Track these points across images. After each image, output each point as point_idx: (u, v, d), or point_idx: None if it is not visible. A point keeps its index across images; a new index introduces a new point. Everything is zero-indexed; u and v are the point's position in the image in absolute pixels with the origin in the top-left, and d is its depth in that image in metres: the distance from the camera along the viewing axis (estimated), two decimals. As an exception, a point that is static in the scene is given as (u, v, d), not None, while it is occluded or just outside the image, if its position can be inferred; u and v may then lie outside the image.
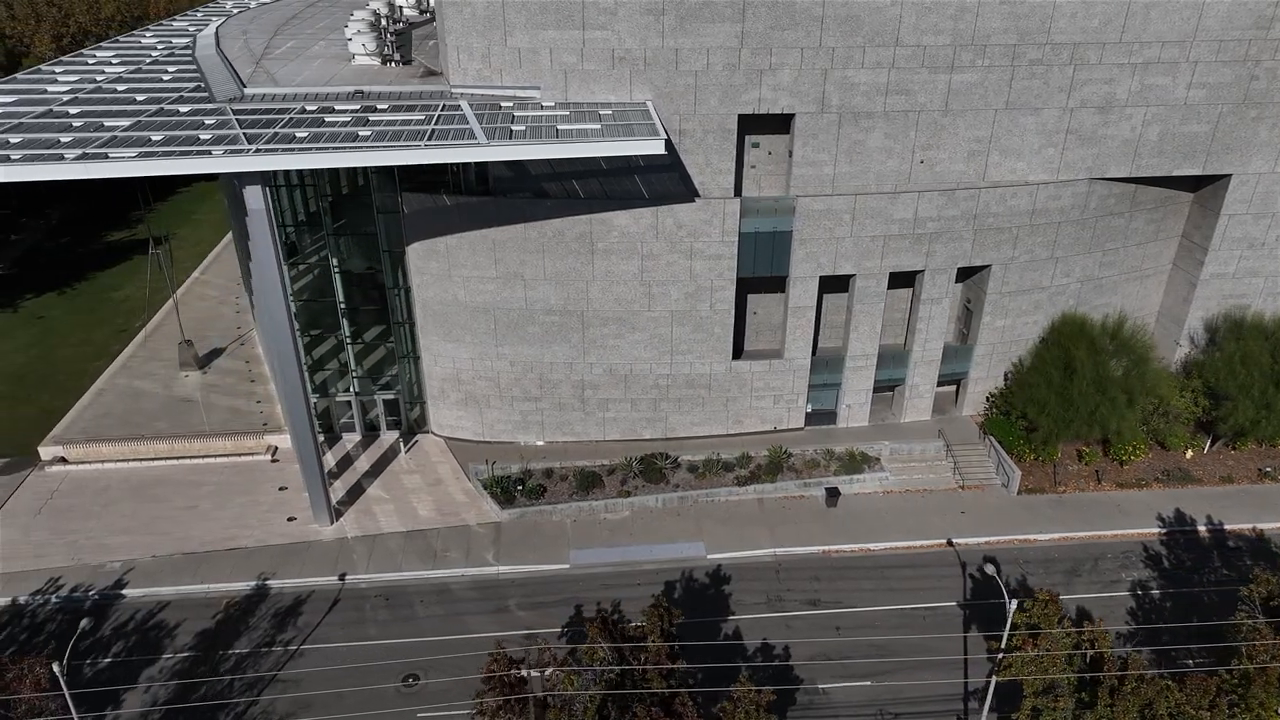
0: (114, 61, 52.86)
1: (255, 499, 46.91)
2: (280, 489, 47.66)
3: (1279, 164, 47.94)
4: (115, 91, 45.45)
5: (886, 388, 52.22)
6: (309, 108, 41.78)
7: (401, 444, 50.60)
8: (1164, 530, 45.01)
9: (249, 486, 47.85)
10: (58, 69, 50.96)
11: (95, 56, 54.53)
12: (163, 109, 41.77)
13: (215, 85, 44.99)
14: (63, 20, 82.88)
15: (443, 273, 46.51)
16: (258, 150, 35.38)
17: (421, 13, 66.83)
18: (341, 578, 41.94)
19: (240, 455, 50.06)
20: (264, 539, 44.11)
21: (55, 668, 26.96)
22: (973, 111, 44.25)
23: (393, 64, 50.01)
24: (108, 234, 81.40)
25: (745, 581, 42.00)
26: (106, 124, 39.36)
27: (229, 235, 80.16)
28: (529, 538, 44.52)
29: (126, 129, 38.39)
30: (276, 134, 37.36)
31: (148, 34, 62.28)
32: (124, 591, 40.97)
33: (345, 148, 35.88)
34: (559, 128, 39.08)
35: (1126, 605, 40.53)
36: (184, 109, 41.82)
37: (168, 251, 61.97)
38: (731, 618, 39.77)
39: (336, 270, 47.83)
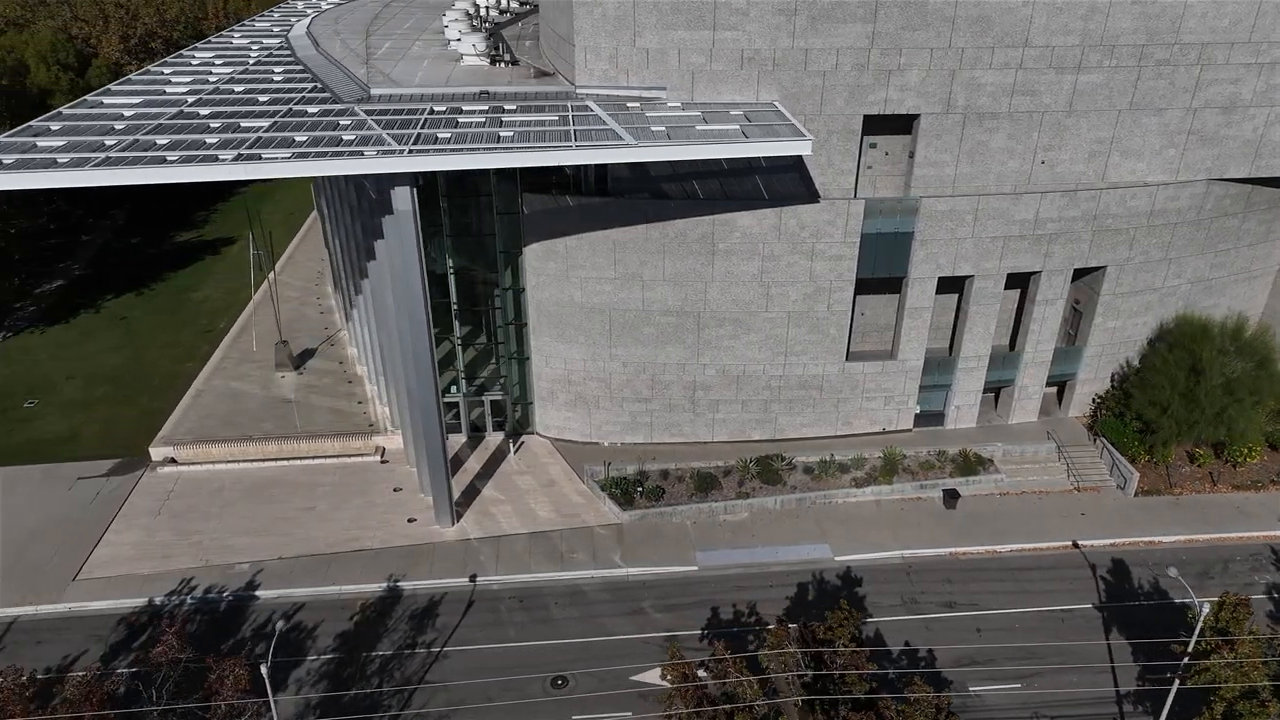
0: (217, 63, 52.81)
1: (371, 500, 46.83)
2: (395, 490, 47.59)
3: (1397, 164, 47.76)
4: (234, 92, 45.40)
5: (992, 389, 52.04)
6: (438, 108, 41.72)
7: (510, 445, 50.49)
8: (1288, 532, 44.88)
9: (363, 488, 47.78)
10: (166, 69, 50.90)
11: (195, 57, 54.47)
12: (291, 109, 41.70)
13: (335, 86, 44.96)
14: (130, 22, 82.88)
15: (560, 273, 46.42)
16: (411, 151, 35.30)
17: (502, 13, 66.87)
18: (472, 579, 41.85)
19: (349, 456, 50.00)
20: (387, 540, 44.02)
21: (263, 670, 26.86)
22: (1096, 112, 44.06)
23: (502, 64, 49.92)
24: (176, 234, 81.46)
25: (877, 584, 41.86)
26: (244, 124, 39.31)
27: (300, 235, 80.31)
28: (652, 539, 44.40)
29: (268, 130, 38.33)
30: (420, 135, 37.28)
31: (236, 34, 62.25)
32: (257, 593, 40.91)
33: (500, 148, 35.80)
34: (697, 128, 38.97)
35: (1265, 609, 40.31)
36: (312, 109, 41.76)
37: (268, 253, 61.89)
38: (870, 620, 39.59)
39: (451, 271, 47.72)
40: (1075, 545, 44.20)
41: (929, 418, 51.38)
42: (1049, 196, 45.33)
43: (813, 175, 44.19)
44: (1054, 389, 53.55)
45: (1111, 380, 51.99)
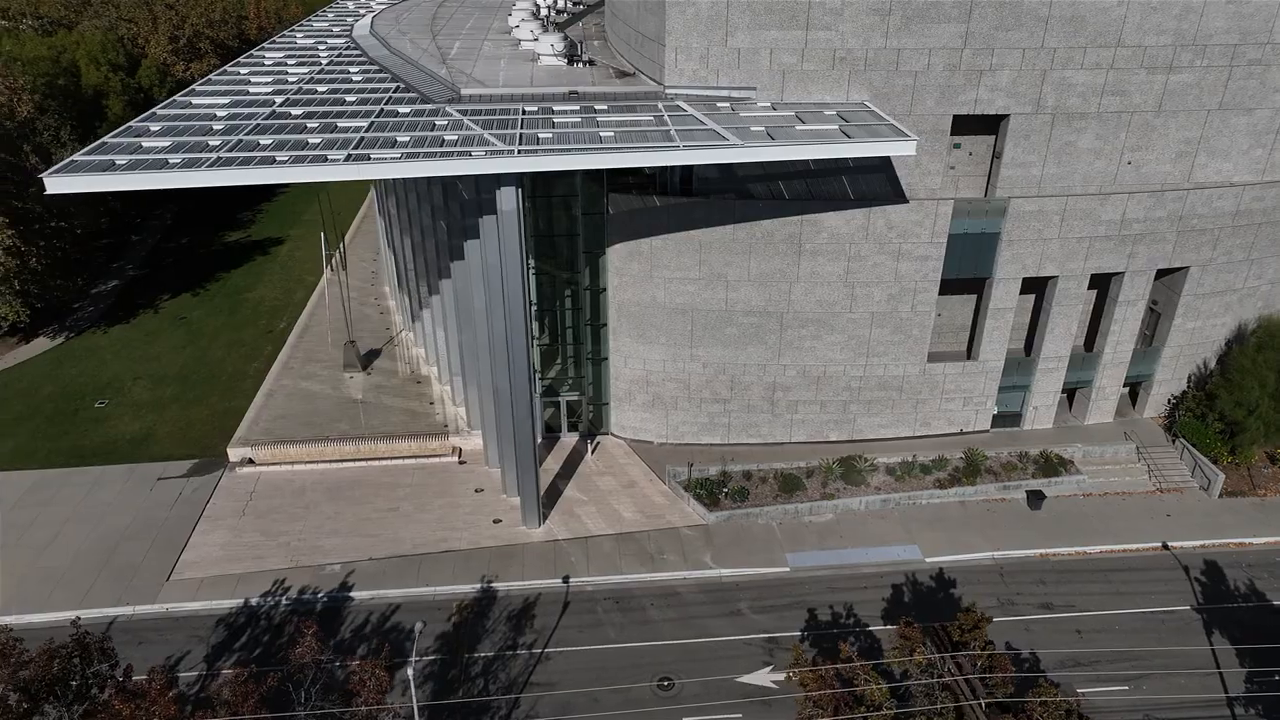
0: (290, 62, 52.78)
1: (454, 501, 46.76)
2: (477, 491, 47.53)
3: None
4: (318, 93, 45.34)
5: (1067, 390, 51.86)
6: (528, 108, 41.67)
7: (588, 446, 50.42)
8: (1378, 534, 44.71)
9: (444, 488, 47.72)
10: (243, 70, 50.85)
11: (266, 57, 54.43)
12: (383, 110, 41.66)
13: (420, 86, 44.91)
14: (179, 23, 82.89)
15: (644, 274, 46.33)
16: (520, 151, 35.23)
17: (559, 13, 66.79)
18: (565, 580, 41.77)
19: (426, 457, 49.93)
20: (475, 541, 43.95)
21: (409, 671, 26.77)
22: (1185, 112, 43.88)
23: (579, 65, 49.86)
24: (224, 235, 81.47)
25: (970, 585, 41.73)
26: (340, 124, 39.27)
27: (349, 235, 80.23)
28: (740, 541, 44.31)
29: (368, 130, 38.28)
30: (522, 135, 37.21)
31: (299, 34, 62.21)
32: (352, 594, 40.86)
33: (610, 148, 35.75)
34: (797, 128, 38.86)
35: (1364, 610, 40.21)
36: (404, 110, 41.72)
37: (341, 254, 61.84)
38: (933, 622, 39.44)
39: (532, 271, 47.61)
40: (1165, 547, 44.04)
41: (1006, 419, 51.25)
42: (1136, 197, 45.19)
43: (900, 176, 44.08)
44: (1125, 390, 53.37)
45: (1188, 381, 51.85)
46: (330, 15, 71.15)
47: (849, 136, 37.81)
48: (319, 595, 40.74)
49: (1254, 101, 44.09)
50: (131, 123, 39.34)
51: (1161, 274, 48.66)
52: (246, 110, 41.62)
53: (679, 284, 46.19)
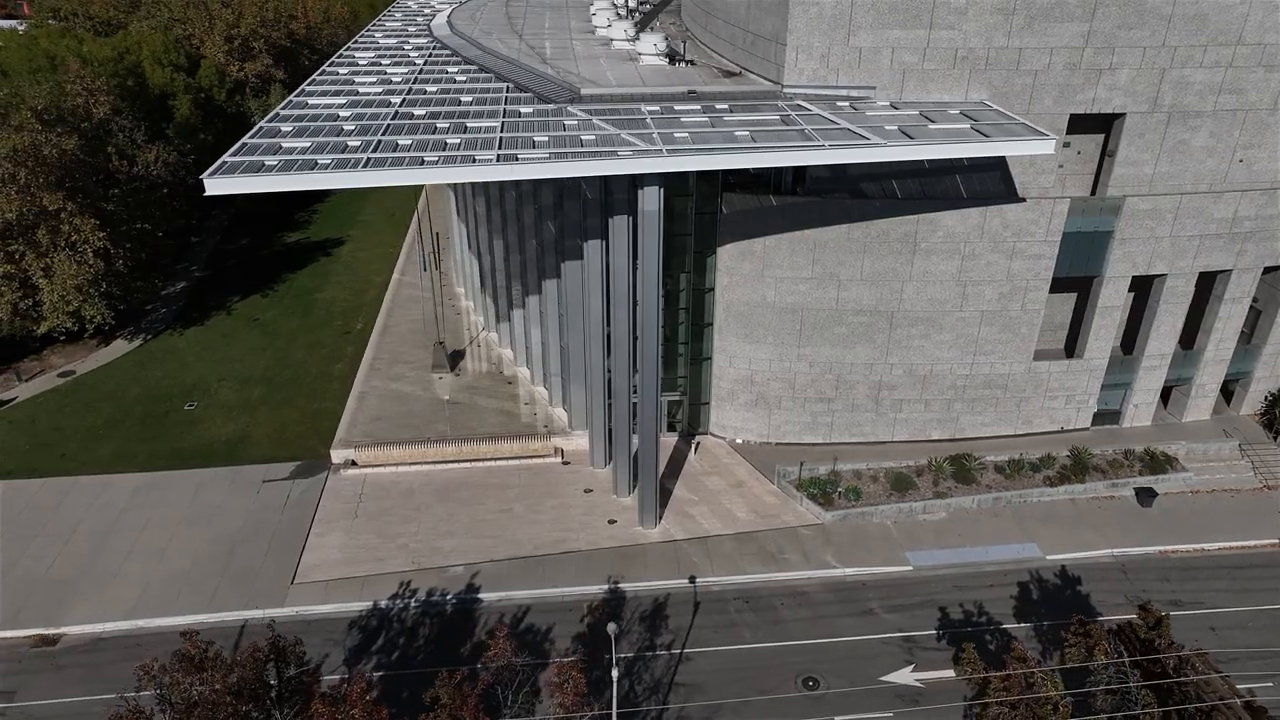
0: (384, 62, 52.57)
1: (565, 501, 46.64)
2: (586, 491, 47.43)
3: None
4: (429, 93, 45.19)
5: (1166, 388, 51.97)
6: (649, 107, 41.59)
7: (694, 446, 50.38)
8: None
9: (552, 489, 47.59)
10: (341, 69, 50.61)
11: (356, 57, 54.17)
12: (505, 110, 41.54)
13: (534, 85, 44.76)
14: (235, 22, 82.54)
15: (755, 273, 46.28)
16: (669, 151, 35.15)
17: (630, 12, 66.66)
18: (691, 580, 41.70)
19: (528, 458, 49.81)
20: (594, 542, 43.85)
21: (613, 673, 26.65)
22: (1299, 110, 44.07)
23: (682, 64, 49.79)
24: (284, 236, 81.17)
25: (1095, 582, 41.82)
26: (471, 125, 39.14)
27: (409, 236, 79.93)
28: (858, 540, 44.31)
29: (502, 130, 38.15)
30: (657, 134, 37.10)
31: (378, 34, 61.99)
32: (480, 595, 40.70)
33: (759, 148, 35.70)
34: (930, 127, 38.84)
35: None
36: (526, 110, 41.60)
37: (435, 253, 61.66)
38: (1103, 618, 39.44)
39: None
40: (1281, 543, 44.24)
41: (1105, 416, 51.35)
42: (1249, 195, 45.32)
43: (1014, 174, 44.14)
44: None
45: (1285, 378, 52.09)
46: (399, 15, 70.91)
47: (986, 135, 37.80)
48: (447, 597, 40.58)
49: (1365, 99, 44.26)
50: (262, 124, 39.09)
51: (1267, 271, 48.82)
52: (368, 110, 41.43)
53: (790, 283, 46.16)
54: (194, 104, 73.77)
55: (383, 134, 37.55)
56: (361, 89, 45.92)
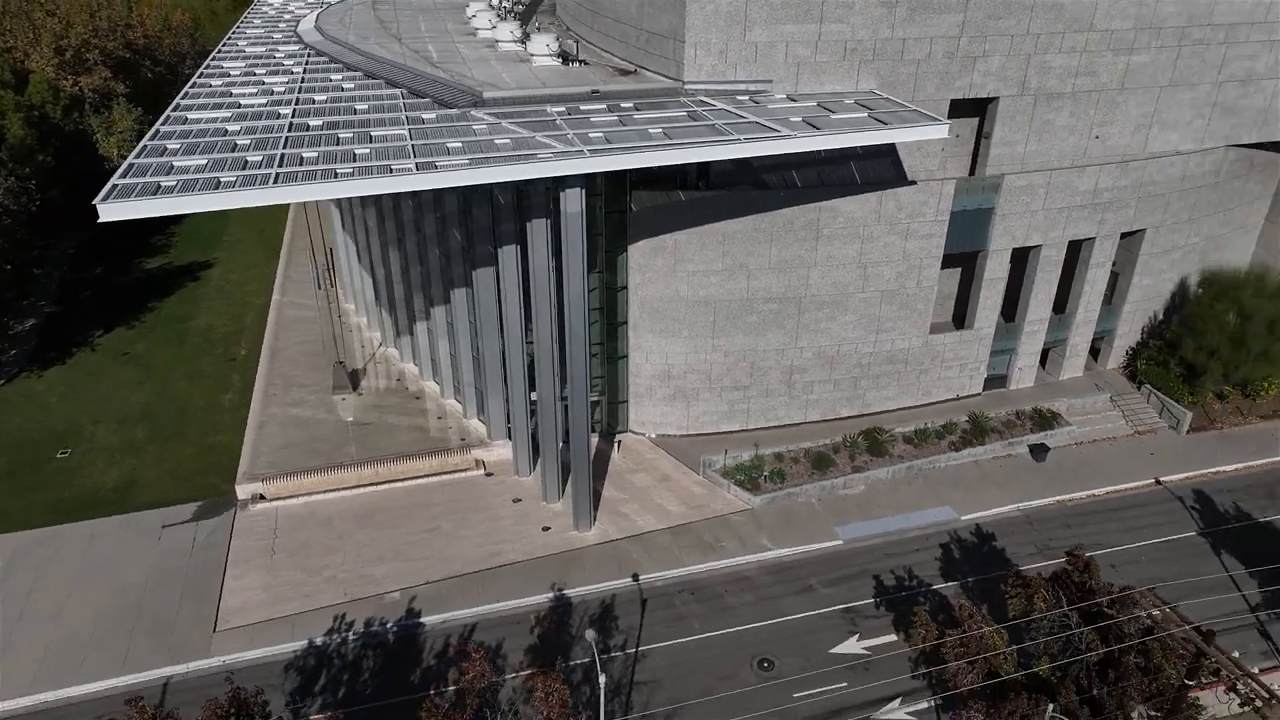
0: (259, 71, 49.64)
1: (494, 514, 45.70)
2: (515, 501, 46.63)
3: (1365, 125, 54.96)
4: (318, 102, 43.10)
5: (1044, 350, 56.09)
6: (554, 108, 41.28)
7: (615, 444, 50.37)
8: (1321, 452, 51.07)
9: (478, 502, 46.52)
10: (213, 81, 47.36)
11: (224, 67, 50.79)
12: (407, 116, 40.18)
13: (429, 90, 43.47)
14: (63, 33, 75.72)
15: (668, 269, 46.75)
16: (592, 151, 34.96)
17: (507, 12, 65.76)
18: (635, 578, 41.76)
19: (449, 474, 48.44)
20: (530, 551, 43.20)
21: (600, 680, 26.18)
22: (1143, 89, 48.44)
23: (575, 64, 49.57)
24: (142, 262, 75.31)
25: (1007, 536, 44.74)
26: (376, 134, 37.63)
27: (283, 254, 75.94)
28: (788, 520, 45.60)
29: (412, 138, 36.86)
30: (572, 135, 36.88)
31: (242, 41, 58.39)
32: (422, 620, 39.32)
33: (682, 144, 36.01)
34: (831, 118, 40.32)
35: (1332, 518, 45.92)
36: (429, 115, 40.40)
37: (330, 270, 58.47)
38: (1020, 569, 42.25)
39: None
40: (1158, 482, 48.64)
41: (994, 381, 54.92)
42: (1106, 168, 49.48)
43: (903, 159, 46.48)
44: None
45: (1142, 333, 57.19)
46: (258, 22, 67.04)
47: (885, 123, 39.58)
48: (388, 625, 38.99)
49: (1196, 78, 49.21)
50: (145, 142, 36.08)
51: (1123, 237, 53.46)
52: (259, 123, 39.06)
53: (702, 276, 46.89)
54: (26, 123, 67.29)
55: (283, 147, 35.54)
56: (243, 100, 43.21)
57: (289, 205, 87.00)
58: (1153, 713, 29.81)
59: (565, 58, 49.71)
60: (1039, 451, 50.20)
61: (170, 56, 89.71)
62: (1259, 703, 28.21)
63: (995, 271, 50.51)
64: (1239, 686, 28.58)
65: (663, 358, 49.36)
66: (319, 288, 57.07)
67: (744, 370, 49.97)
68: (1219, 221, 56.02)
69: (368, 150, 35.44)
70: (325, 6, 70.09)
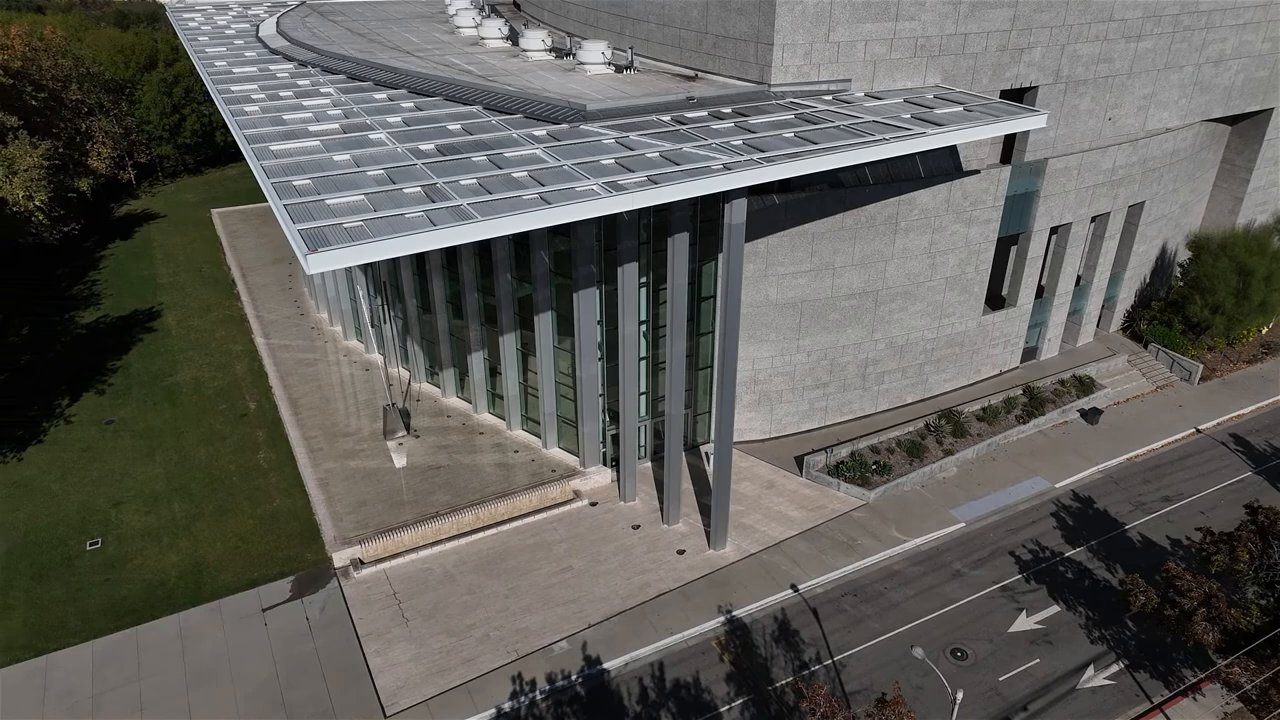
0: (284, 94, 44.87)
1: (621, 544, 43.72)
2: (634, 527, 44.80)
3: (1298, 97, 62.36)
4: (391, 123, 39.56)
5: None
6: (662, 118, 40.08)
7: (704, 457, 49.38)
8: (1308, 387, 57.60)
9: (600, 534, 44.35)
10: (248, 108, 42.35)
11: (235, 90, 45.61)
12: (515, 135, 37.71)
13: (517, 108, 40.98)
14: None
15: (759, 274, 46.34)
16: (757, 161, 34.08)
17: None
18: (794, 589, 41.19)
19: (551, 508, 45.87)
20: (678, 577, 41.68)
21: (957, 695, 25.45)
22: (1145, 73, 52.77)
23: (627, 71, 48.14)
24: (76, 316, 66.22)
25: (1103, 498, 47.53)
26: (509, 155, 34.98)
27: (243, 291, 69.11)
28: (904, 511, 46.38)
29: (558, 160, 34.54)
30: (716, 145, 35.86)
31: (220, 62, 52.50)
32: (605, 666, 37.06)
33: (837, 148, 35.65)
34: (935, 112, 41.28)
35: (1349, 443, 51.92)
36: (539, 132, 38.13)
37: (385, 307, 53.13)
38: (1130, 526, 45.19)
39: (643, 286, 45.41)
40: (1198, 431, 53.20)
41: (1027, 353, 58.19)
42: (1121, 147, 53.50)
43: (959, 150, 48.32)
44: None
45: (1136, 296, 62.34)
46: (205, 38, 60.56)
47: (995, 116, 40.94)
48: (571, 678, 36.48)
49: (1184, 60, 54.10)
50: (270, 181, 31.81)
51: (1129, 209, 57.97)
52: (364, 151, 35.40)
53: (791, 278, 46.83)
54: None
55: (437, 175, 32.39)
56: (313, 127, 39.00)
57: (222, 240, 79.54)
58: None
59: (618, 66, 48.12)
60: (1093, 415, 53.67)
61: (53, 82, 79.13)
62: None
63: (1036, 250, 53.50)
64: None
65: (749, 364, 48.89)
66: (372, 325, 52.24)
67: (824, 368, 50.36)
68: (1189, 190, 61.94)
69: (523, 174, 32.94)
70: (262, 20, 64.41)
